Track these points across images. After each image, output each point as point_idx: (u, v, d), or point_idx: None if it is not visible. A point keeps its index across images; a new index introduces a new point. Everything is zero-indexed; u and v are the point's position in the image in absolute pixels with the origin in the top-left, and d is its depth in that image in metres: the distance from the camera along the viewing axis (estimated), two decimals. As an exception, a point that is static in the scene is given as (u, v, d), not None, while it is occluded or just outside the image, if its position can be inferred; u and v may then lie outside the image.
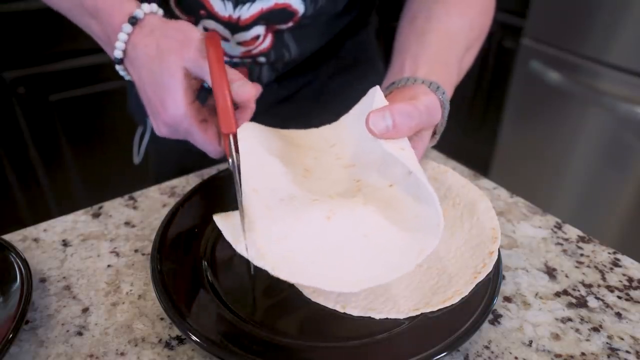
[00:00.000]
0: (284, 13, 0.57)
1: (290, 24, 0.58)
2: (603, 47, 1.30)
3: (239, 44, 0.60)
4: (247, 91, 0.45)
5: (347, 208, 0.41)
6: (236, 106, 0.47)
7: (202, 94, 0.49)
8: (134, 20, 0.45)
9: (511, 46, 1.61)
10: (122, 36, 0.46)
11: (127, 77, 0.50)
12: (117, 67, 0.49)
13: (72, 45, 1.33)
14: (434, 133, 0.48)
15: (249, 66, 0.63)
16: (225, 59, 0.62)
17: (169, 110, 0.45)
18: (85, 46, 1.35)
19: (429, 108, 0.42)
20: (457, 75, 0.51)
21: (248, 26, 0.58)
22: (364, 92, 0.47)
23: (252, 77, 0.64)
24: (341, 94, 0.72)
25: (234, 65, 0.63)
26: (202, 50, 0.45)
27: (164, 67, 0.44)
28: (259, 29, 0.58)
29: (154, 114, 0.47)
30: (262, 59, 0.62)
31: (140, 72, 0.46)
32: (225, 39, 0.59)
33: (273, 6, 0.56)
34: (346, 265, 0.38)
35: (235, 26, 0.57)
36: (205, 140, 0.47)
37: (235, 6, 0.55)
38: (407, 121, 0.40)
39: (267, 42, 0.60)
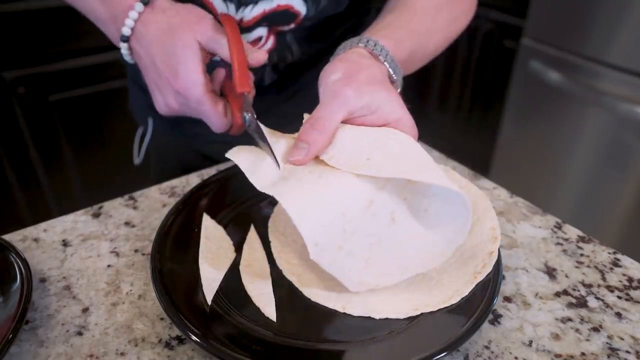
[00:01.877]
0: (286, 14, 0.57)
1: (292, 26, 0.59)
2: (603, 47, 1.30)
3: None
4: (260, 56, 0.47)
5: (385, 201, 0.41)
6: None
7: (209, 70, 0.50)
8: (146, 1, 0.47)
9: (511, 46, 1.61)
10: (133, 14, 0.46)
11: (127, 58, 0.50)
12: (122, 45, 0.49)
13: (72, 45, 1.33)
14: (392, 83, 0.47)
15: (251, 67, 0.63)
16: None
17: (181, 77, 0.46)
18: (85, 46, 1.35)
19: (341, 90, 0.42)
20: (413, 42, 0.50)
21: (250, 28, 0.58)
22: None
23: (255, 77, 0.64)
24: None
25: None
26: (216, 26, 0.46)
27: (177, 39, 0.45)
28: (262, 31, 0.58)
29: (163, 87, 0.48)
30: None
31: (149, 48, 0.47)
32: None
33: (275, 8, 0.56)
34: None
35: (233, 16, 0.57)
36: (214, 111, 0.47)
37: (237, 8, 0.56)
38: (316, 132, 0.41)
39: (270, 43, 0.60)
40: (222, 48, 0.46)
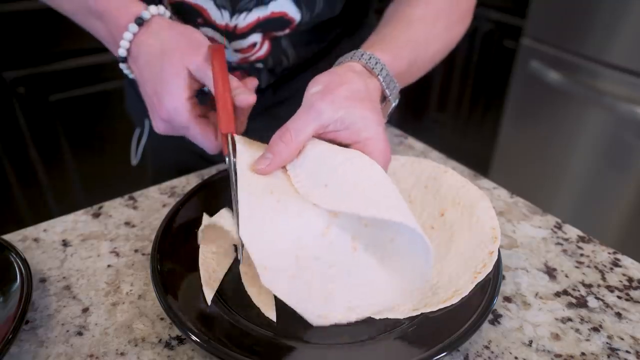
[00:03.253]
0: (280, 21, 0.57)
1: (287, 31, 0.59)
2: (603, 47, 1.30)
3: (236, 51, 0.60)
4: (247, 99, 0.46)
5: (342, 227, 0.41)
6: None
7: (200, 97, 0.49)
8: (140, 21, 0.46)
9: (511, 46, 1.61)
10: (128, 35, 0.46)
11: (131, 76, 0.51)
12: (122, 66, 0.49)
13: (72, 45, 1.33)
14: (384, 97, 0.47)
15: (247, 71, 0.63)
16: None
17: (165, 104, 0.45)
18: (85, 46, 1.35)
19: (315, 103, 0.42)
20: (411, 52, 0.50)
21: (245, 34, 0.58)
22: None
23: None
24: None
25: (232, 70, 0.63)
26: (207, 57, 0.46)
27: (165, 64, 0.45)
28: (256, 37, 0.58)
29: (152, 110, 0.48)
30: (259, 65, 0.62)
31: (142, 70, 0.47)
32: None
33: (269, 15, 0.56)
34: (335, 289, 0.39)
35: (232, 34, 0.58)
36: (201, 135, 0.47)
37: (232, 15, 0.56)
38: (282, 144, 0.41)
39: (265, 49, 0.60)
40: (209, 81, 0.45)
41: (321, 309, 0.38)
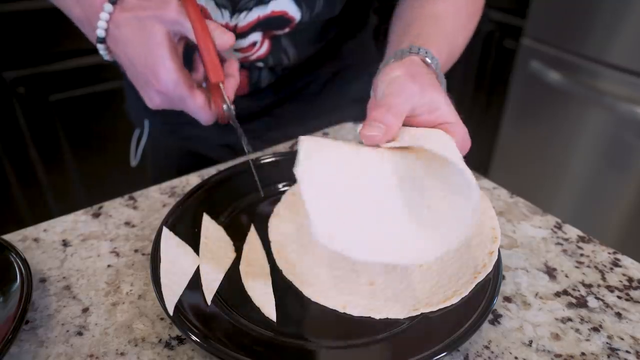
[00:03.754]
0: (280, 20, 0.57)
1: (286, 30, 0.59)
2: (603, 47, 1.30)
3: (237, 50, 0.60)
4: (227, 39, 0.47)
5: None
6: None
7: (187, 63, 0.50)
8: (114, 0, 0.47)
9: (511, 46, 1.61)
10: (104, 15, 0.46)
11: (106, 57, 0.50)
12: (99, 47, 0.49)
13: (72, 45, 1.33)
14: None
15: (248, 70, 0.63)
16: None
17: (162, 79, 0.46)
18: (85, 46, 1.34)
19: (408, 85, 0.41)
20: (446, 45, 0.51)
21: (245, 33, 0.58)
22: (361, 93, 0.47)
23: (252, 80, 0.64)
24: (339, 95, 0.72)
25: None
26: (181, 10, 0.46)
27: (148, 38, 0.45)
28: (256, 36, 0.59)
29: (146, 87, 0.48)
30: (260, 64, 0.62)
31: (125, 49, 0.47)
32: None
33: (270, 14, 0.56)
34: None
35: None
36: (197, 106, 0.48)
37: (232, 14, 0.56)
38: (393, 117, 0.40)
39: (265, 48, 0.60)
40: (189, 32, 0.46)
41: (333, 228, 0.36)
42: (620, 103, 1.28)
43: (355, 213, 0.38)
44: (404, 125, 0.42)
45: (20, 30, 1.26)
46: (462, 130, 0.43)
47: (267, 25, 0.57)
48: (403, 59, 0.46)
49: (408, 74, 0.42)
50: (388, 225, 0.39)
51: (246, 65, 0.62)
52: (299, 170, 0.36)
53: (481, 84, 1.81)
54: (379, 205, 0.39)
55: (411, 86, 0.41)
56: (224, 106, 0.45)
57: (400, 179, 0.40)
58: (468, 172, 0.37)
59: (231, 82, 0.51)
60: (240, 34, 0.58)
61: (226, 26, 0.57)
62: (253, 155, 0.51)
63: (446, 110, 0.42)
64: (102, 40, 0.48)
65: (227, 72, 0.51)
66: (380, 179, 0.39)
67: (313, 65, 0.67)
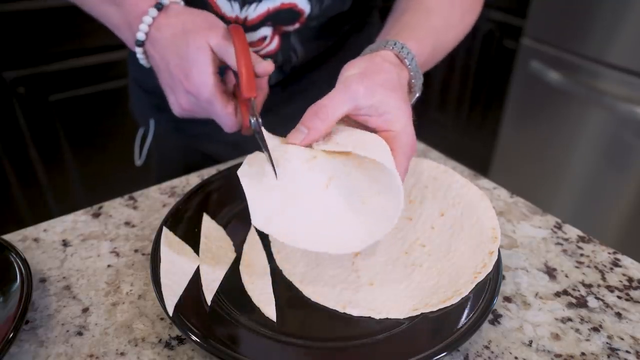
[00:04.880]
0: (290, 13, 0.57)
1: (297, 25, 0.59)
2: (603, 47, 1.30)
3: None
4: (266, 66, 0.48)
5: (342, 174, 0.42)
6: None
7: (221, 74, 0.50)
8: (160, 6, 0.48)
9: (511, 46, 1.61)
10: (147, 19, 0.47)
11: (143, 62, 0.51)
12: (137, 50, 0.50)
13: (73, 45, 1.33)
14: (410, 87, 0.48)
15: None
16: None
17: (193, 78, 0.47)
18: (85, 46, 1.35)
19: (353, 84, 0.42)
20: (432, 41, 0.51)
21: (255, 27, 0.58)
22: None
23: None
24: None
25: None
26: (227, 36, 0.47)
27: (190, 42, 0.46)
28: (266, 30, 0.59)
29: (175, 88, 0.49)
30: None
31: (164, 51, 0.48)
32: None
33: (279, 6, 0.56)
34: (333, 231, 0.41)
35: (242, 27, 0.58)
36: (224, 111, 0.48)
37: (242, 7, 0.56)
38: (318, 120, 0.41)
39: (274, 44, 0.60)
40: (230, 57, 0.47)
41: (273, 214, 0.40)
42: (620, 103, 1.28)
43: (290, 203, 0.41)
44: (355, 122, 0.43)
45: (20, 30, 1.26)
46: (405, 139, 0.42)
47: (277, 18, 0.57)
48: (373, 53, 0.46)
49: (361, 73, 0.43)
50: (322, 215, 0.41)
51: None
52: (239, 171, 0.41)
53: (481, 84, 1.81)
54: (312, 198, 0.41)
55: (355, 87, 0.41)
56: (252, 119, 0.45)
57: (333, 175, 0.42)
58: (396, 175, 0.38)
59: (260, 96, 0.52)
60: (250, 27, 0.58)
61: (236, 19, 0.57)
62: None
63: (394, 115, 0.42)
64: (141, 44, 0.49)
65: (258, 85, 0.52)
66: (314, 175, 0.41)
67: (320, 63, 0.68)
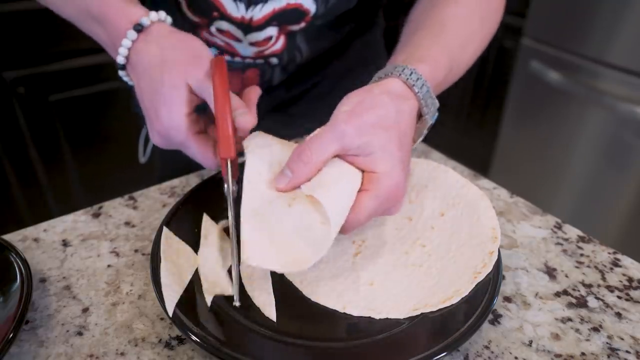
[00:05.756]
0: (295, 13, 0.57)
1: (302, 25, 0.59)
2: (603, 47, 1.30)
3: (252, 44, 0.60)
4: (248, 121, 0.45)
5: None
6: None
7: (200, 111, 0.48)
8: (139, 28, 0.44)
9: (511, 46, 1.61)
10: (126, 42, 0.45)
11: (130, 83, 0.49)
12: (120, 73, 0.48)
13: (72, 45, 1.33)
14: (420, 116, 0.46)
15: (260, 67, 0.63)
16: (238, 59, 0.62)
17: (162, 121, 0.44)
18: (85, 46, 1.35)
19: (340, 124, 0.40)
20: (448, 59, 0.48)
21: (261, 26, 0.58)
22: None
23: (264, 78, 0.64)
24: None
25: (247, 66, 0.63)
26: (208, 71, 0.44)
27: (165, 78, 0.43)
28: (272, 30, 0.59)
29: (149, 123, 0.46)
30: (274, 60, 0.62)
31: (140, 80, 0.45)
32: (238, 40, 0.60)
33: (285, 6, 0.56)
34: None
35: (248, 27, 0.58)
36: (200, 153, 0.45)
37: (247, 7, 0.56)
38: (301, 164, 0.41)
39: (280, 43, 0.60)
40: (209, 97, 0.43)
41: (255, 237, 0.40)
42: (620, 103, 1.28)
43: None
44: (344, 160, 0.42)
45: (20, 30, 1.26)
46: (385, 182, 0.40)
47: (283, 18, 0.57)
48: (374, 83, 0.44)
49: (351, 111, 0.41)
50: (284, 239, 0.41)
51: (258, 63, 0.63)
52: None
53: (481, 84, 1.81)
54: (283, 225, 0.41)
55: (343, 127, 0.40)
56: (225, 185, 0.43)
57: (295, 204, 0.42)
58: (333, 228, 0.39)
59: (252, 93, 0.49)
60: (255, 27, 0.58)
61: (242, 19, 0.57)
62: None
63: (379, 156, 0.40)
64: (122, 67, 0.47)
65: (246, 100, 0.48)
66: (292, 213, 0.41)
67: (324, 63, 0.68)
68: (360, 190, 0.41)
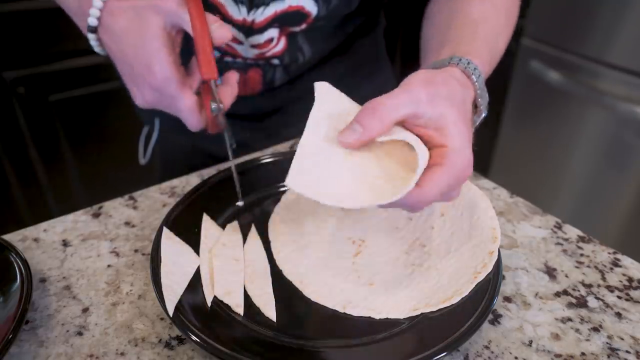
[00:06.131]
0: (297, 15, 0.57)
1: (303, 26, 0.59)
2: (603, 47, 1.30)
3: (253, 46, 0.60)
4: (224, 34, 0.45)
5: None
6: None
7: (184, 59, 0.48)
8: None
9: (511, 46, 1.61)
10: (98, 3, 0.44)
11: (97, 49, 0.48)
12: (90, 37, 0.47)
13: (72, 45, 1.33)
14: (475, 106, 0.44)
15: (262, 68, 0.63)
16: (239, 60, 0.62)
17: (156, 74, 0.44)
18: (85, 46, 1.34)
19: (416, 88, 0.38)
20: (488, 53, 0.47)
21: (262, 29, 0.58)
22: (373, 91, 0.46)
23: (266, 78, 0.64)
24: (351, 93, 0.72)
25: (248, 67, 0.63)
26: (180, 1, 0.44)
27: (145, 30, 0.43)
28: (273, 32, 0.59)
29: (138, 81, 0.46)
30: (275, 62, 0.62)
31: (120, 41, 0.45)
32: (239, 42, 0.60)
33: (287, 8, 0.56)
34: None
35: (249, 29, 0.58)
36: (186, 107, 0.45)
37: (249, 10, 0.56)
38: (376, 120, 0.37)
39: (281, 44, 0.60)
40: (186, 25, 0.44)
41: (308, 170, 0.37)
42: (620, 103, 1.28)
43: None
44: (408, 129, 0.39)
45: (20, 30, 1.25)
46: (461, 159, 0.37)
47: (284, 20, 0.57)
48: (441, 69, 0.42)
49: (426, 80, 0.39)
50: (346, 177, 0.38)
51: (260, 64, 0.63)
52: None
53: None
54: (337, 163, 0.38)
55: (418, 91, 0.37)
56: (213, 105, 0.41)
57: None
58: (419, 171, 0.35)
59: (227, 91, 0.49)
60: (257, 29, 0.58)
61: (243, 22, 0.57)
62: (249, 157, 0.48)
63: (451, 131, 0.38)
64: (94, 30, 0.46)
65: (225, 80, 0.49)
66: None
67: (326, 63, 0.68)
68: (429, 166, 0.37)
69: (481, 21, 0.49)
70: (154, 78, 0.44)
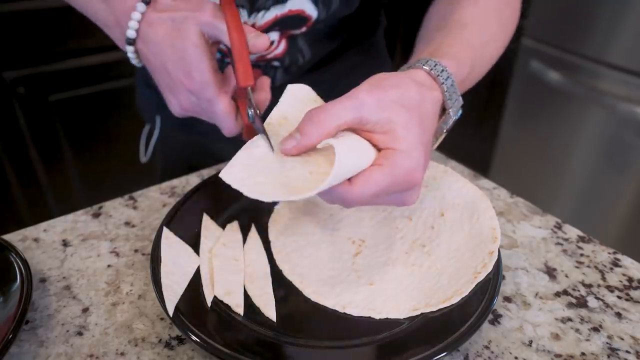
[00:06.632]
0: (298, 19, 0.57)
1: (303, 29, 0.59)
2: (603, 47, 1.30)
3: None
4: (262, 43, 0.45)
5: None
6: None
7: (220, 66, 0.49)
8: (147, 0, 0.45)
9: (511, 46, 1.61)
10: (136, 15, 0.45)
11: (134, 61, 0.49)
12: (128, 49, 0.48)
13: (72, 45, 1.33)
14: (444, 109, 0.44)
15: (263, 69, 0.63)
16: None
17: (196, 78, 0.44)
18: (85, 46, 1.35)
19: (361, 94, 0.38)
20: (471, 57, 0.47)
21: (262, 32, 0.58)
22: None
23: None
24: None
25: None
26: (217, 13, 0.45)
27: (184, 38, 0.44)
28: (273, 35, 0.59)
29: (176, 89, 0.47)
30: (276, 63, 0.63)
31: (159, 51, 0.46)
32: None
33: (287, 12, 0.56)
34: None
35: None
36: (224, 112, 0.46)
37: (250, 13, 0.56)
38: (313, 126, 0.38)
39: (282, 47, 0.60)
40: (223, 35, 0.44)
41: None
42: (620, 103, 1.28)
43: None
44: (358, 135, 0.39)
45: (20, 30, 1.26)
46: (406, 162, 0.37)
47: (285, 24, 0.57)
48: (403, 72, 0.43)
49: (373, 84, 0.39)
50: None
51: (261, 65, 0.63)
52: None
53: (481, 84, 1.81)
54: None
55: (363, 97, 0.37)
56: (250, 111, 0.43)
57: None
58: (333, 173, 0.35)
59: (262, 96, 0.49)
60: None
61: None
62: None
63: (399, 134, 0.37)
64: (132, 42, 0.46)
65: (259, 87, 0.50)
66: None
67: (326, 64, 0.68)
68: (372, 165, 0.37)
69: (469, 26, 0.49)
70: (192, 82, 0.45)
